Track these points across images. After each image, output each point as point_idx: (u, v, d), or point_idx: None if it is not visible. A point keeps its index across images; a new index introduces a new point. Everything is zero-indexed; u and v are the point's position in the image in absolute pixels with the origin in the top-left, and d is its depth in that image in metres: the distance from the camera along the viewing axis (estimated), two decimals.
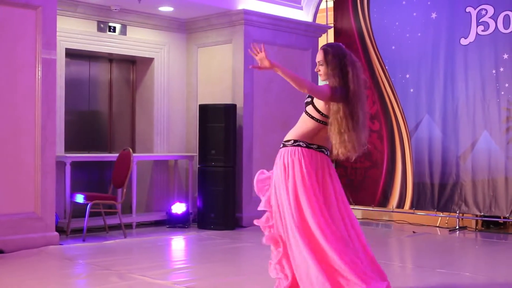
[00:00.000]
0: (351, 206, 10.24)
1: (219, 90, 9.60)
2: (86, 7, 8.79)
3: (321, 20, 10.75)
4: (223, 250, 7.49)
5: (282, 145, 4.86)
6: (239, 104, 9.26)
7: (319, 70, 4.78)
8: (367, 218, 10.30)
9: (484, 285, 5.74)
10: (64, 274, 6.07)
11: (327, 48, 4.77)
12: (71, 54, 8.99)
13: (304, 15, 10.25)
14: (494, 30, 8.86)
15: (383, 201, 9.86)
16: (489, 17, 8.89)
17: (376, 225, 9.68)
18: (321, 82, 4.90)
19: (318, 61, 4.78)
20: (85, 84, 9.50)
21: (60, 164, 8.29)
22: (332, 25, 10.60)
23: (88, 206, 7.86)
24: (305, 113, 4.83)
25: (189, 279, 5.82)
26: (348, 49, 10.80)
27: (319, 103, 4.70)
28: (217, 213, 8.97)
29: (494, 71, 8.83)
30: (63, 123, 8.63)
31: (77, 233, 8.11)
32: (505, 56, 8.76)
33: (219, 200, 8.97)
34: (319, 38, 10.47)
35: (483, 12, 8.95)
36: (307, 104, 4.81)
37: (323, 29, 10.52)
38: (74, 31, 8.78)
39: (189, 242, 8.21)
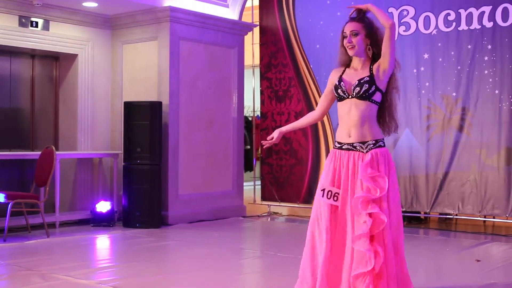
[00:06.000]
0: (276, 203, 10.43)
1: (144, 87, 9.53)
2: (7, 1, 8.57)
3: (247, 18, 10.80)
4: (148, 248, 7.44)
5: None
6: (165, 101, 9.20)
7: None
8: (293, 215, 10.41)
9: None
10: None
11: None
12: None
13: (230, 13, 10.27)
14: (415, 30, 9.08)
15: (308, 198, 9.97)
16: (411, 18, 9.11)
17: (301, 222, 9.78)
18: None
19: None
20: (6, 80, 9.26)
21: None
22: (258, 23, 10.65)
23: (9, 205, 7.67)
24: (371, 101, 4.42)
25: (113, 278, 5.77)
26: (274, 47, 10.98)
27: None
28: (142, 211, 8.90)
29: (415, 71, 9.05)
30: None
31: None
32: (426, 56, 8.99)
33: (145, 198, 8.91)
34: (245, 36, 10.51)
35: (405, 12, 9.16)
36: (372, 94, 4.41)
37: (249, 27, 10.57)
38: None
39: (114, 241, 8.12)
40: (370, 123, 4.42)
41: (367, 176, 4.27)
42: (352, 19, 4.55)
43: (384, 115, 4.53)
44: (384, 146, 4.48)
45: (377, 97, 4.43)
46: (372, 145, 4.39)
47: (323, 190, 4.41)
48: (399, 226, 4.43)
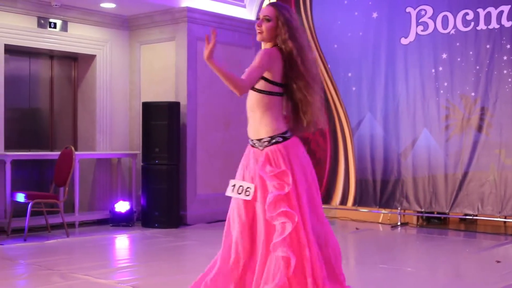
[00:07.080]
0: None
1: (162, 88, 9.55)
2: (26, 2, 8.63)
3: None
4: (167, 248, 7.46)
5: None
6: (183, 102, 9.23)
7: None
8: None
9: (425, 279, 5.87)
10: (4, 274, 5.94)
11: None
12: (11, 50, 8.81)
13: (247, 13, 10.28)
14: (433, 30, 9.04)
15: (327, 198, 9.95)
16: (429, 18, 9.07)
17: None
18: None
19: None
20: (25, 81, 9.33)
21: (0, 163, 8.13)
22: None
23: (29, 205, 7.72)
24: (255, 90, 4.00)
25: (132, 278, 5.79)
26: None
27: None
28: (161, 211, 8.93)
29: (433, 70, 9.01)
30: (3, 120, 8.46)
31: (18, 233, 7.96)
32: (444, 55, 8.94)
33: (163, 198, 8.93)
34: None
35: (423, 12, 9.12)
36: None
37: None
38: (14, 27, 8.61)
39: (133, 240, 8.16)
40: (266, 116, 3.98)
41: (269, 175, 3.94)
42: (271, 4, 4.09)
43: (290, 110, 4.10)
44: (284, 140, 4.01)
45: (261, 85, 3.95)
46: (267, 142, 3.99)
47: (234, 185, 4.13)
48: (319, 216, 4.16)
